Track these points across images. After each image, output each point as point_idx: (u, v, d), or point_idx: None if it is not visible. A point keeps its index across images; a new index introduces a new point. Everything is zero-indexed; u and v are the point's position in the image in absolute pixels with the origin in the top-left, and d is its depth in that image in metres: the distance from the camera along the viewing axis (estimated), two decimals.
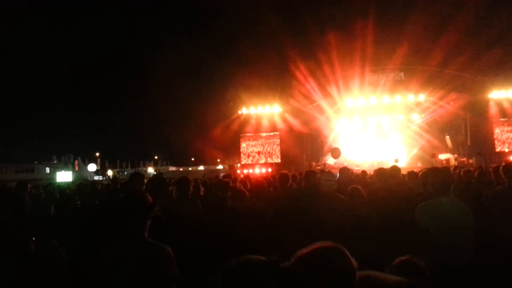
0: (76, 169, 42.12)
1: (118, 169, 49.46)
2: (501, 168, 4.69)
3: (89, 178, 28.70)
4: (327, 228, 3.70)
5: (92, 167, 40.29)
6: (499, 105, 21.73)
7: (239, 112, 24.13)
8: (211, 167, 40.56)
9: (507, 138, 22.04)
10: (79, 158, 48.44)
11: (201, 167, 44.47)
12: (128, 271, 2.24)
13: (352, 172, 7.48)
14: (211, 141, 25.42)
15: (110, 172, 44.77)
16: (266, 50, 26.43)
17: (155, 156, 57.86)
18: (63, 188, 7.85)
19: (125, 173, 43.73)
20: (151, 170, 45.60)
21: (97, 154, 47.95)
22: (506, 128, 22.07)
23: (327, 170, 7.35)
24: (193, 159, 50.39)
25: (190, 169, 44.53)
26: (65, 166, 45.64)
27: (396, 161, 18.34)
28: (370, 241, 3.49)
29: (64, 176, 29.70)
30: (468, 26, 21.18)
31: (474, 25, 21.65)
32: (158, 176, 4.95)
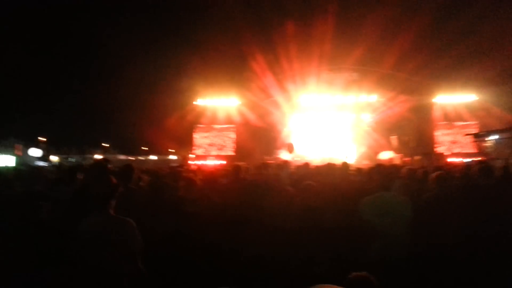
0: (20, 153, 39.56)
1: (63, 156, 47.05)
2: (434, 175, 4.53)
3: (31, 164, 27.10)
4: (279, 222, 3.78)
5: (34, 152, 38.09)
6: (442, 109, 23.39)
7: (195, 102, 23.81)
8: (164, 157, 39.71)
9: (446, 141, 23.79)
10: (21, 142, 45.49)
11: (154, 157, 43.40)
12: (102, 242, 2.61)
13: (308, 166, 7.65)
14: (164, 131, 24.82)
15: (54, 158, 42.58)
16: (225, 42, 26.21)
17: (103, 143, 55.68)
18: (2, 172, 7.38)
19: (69, 159, 41.57)
20: (98, 157, 43.49)
21: (42, 138, 45.41)
22: (446, 131, 23.81)
23: (278, 164, 7.54)
24: (145, 148, 48.97)
25: (141, 158, 43.33)
26: (5, 150, 42.70)
27: (346, 158, 18.97)
28: (320, 233, 3.61)
29: (4, 161, 27.86)
30: (421, 32, 22.38)
31: (427, 31, 22.92)
32: (98, 164, 4.67)
